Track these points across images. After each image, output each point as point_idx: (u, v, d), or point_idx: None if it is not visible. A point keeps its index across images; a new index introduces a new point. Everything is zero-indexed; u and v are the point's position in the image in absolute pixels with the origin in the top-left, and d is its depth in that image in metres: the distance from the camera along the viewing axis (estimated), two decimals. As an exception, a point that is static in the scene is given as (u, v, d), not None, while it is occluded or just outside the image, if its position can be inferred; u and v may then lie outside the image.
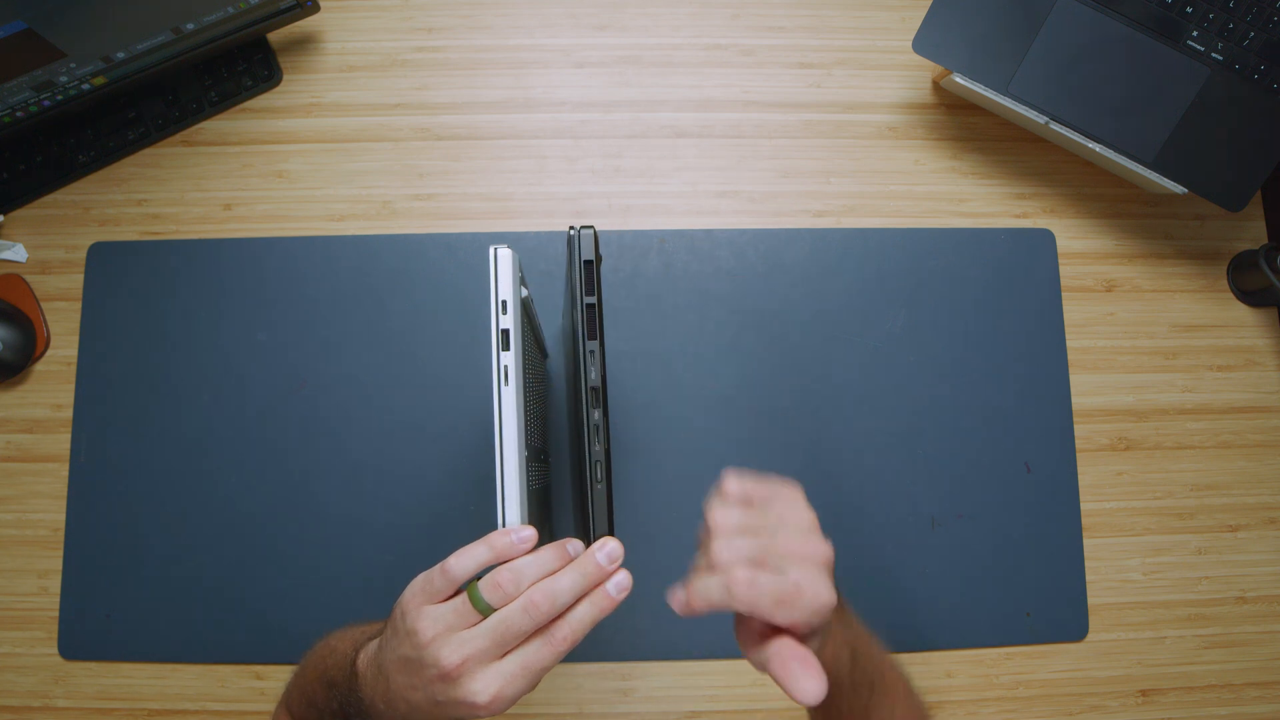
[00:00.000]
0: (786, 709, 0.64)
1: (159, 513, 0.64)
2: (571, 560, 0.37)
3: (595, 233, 0.40)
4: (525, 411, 0.40)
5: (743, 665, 0.64)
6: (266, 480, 0.65)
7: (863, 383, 0.68)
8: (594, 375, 0.39)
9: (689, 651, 0.64)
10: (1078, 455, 0.68)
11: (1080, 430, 0.69)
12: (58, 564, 0.64)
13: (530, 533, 0.37)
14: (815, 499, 0.67)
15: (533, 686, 0.36)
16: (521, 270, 0.42)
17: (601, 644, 0.64)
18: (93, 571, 0.64)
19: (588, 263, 0.40)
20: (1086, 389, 0.69)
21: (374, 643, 0.40)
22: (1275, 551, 0.68)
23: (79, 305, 0.67)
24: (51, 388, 0.67)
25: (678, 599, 0.39)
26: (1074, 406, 0.69)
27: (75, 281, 0.68)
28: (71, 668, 0.63)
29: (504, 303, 0.39)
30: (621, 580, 0.38)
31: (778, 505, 0.41)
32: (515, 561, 0.36)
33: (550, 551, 0.37)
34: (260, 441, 0.65)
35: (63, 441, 0.66)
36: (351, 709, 0.40)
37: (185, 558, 0.64)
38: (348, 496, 0.65)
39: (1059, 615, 0.66)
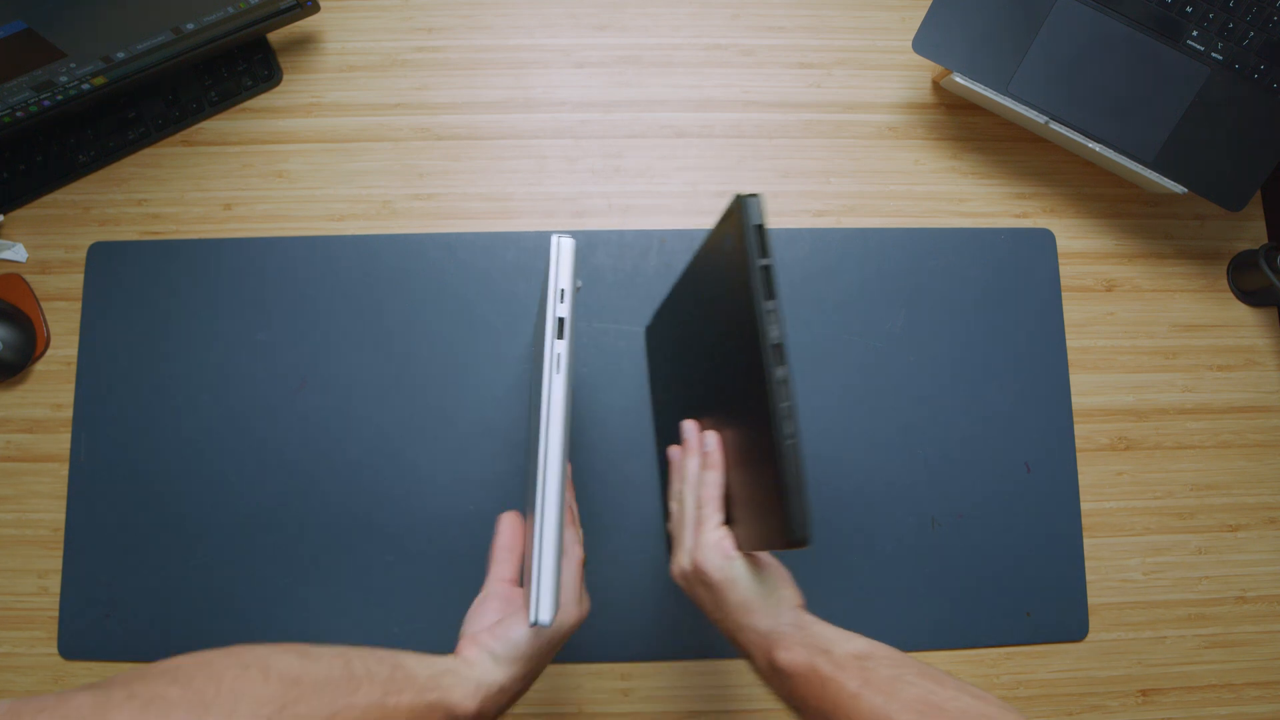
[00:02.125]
0: (784, 708, 0.64)
1: (159, 513, 0.64)
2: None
3: (760, 199, 0.42)
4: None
5: (742, 665, 0.64)
6: (266, 480, 0.65)
7: (863, 383, 0.68)
8: (775, 333, 0.40)
9: (689, 651, 0.64)
10: (1078, 455, 0.68)
11: (1080, 430, 0.69)
12: (58, 564, 0.64)
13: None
14: (815, 498, 0.67)
15: None
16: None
17: (601, 644, 0.64)
18: (93, 571, 0.64)
19: (757, 228, 0.41)
20: (1086, 389, 0.69)
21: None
22: (1275, 551, 0.68)
23: (79, 305, 0.67)
24: (51, 388, 0.67)
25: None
26: (1074, 406, 0.69)
27: (75, 281, 0.68)
28: (71, 668, 0.63)
29: (562, 291, 0.41)
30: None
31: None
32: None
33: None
34: (260, 441, 0.65)
35: (63, 441, 0.66)
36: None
37: (185, 558, 0.64)
38: (347, 496, 0.65)
39: (1059, 615, 0.66)
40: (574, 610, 0.47)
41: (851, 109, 0.72)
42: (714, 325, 0.50)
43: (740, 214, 0.42)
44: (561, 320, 0.41)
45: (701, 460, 0.50)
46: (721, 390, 0.49)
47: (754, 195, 0.42)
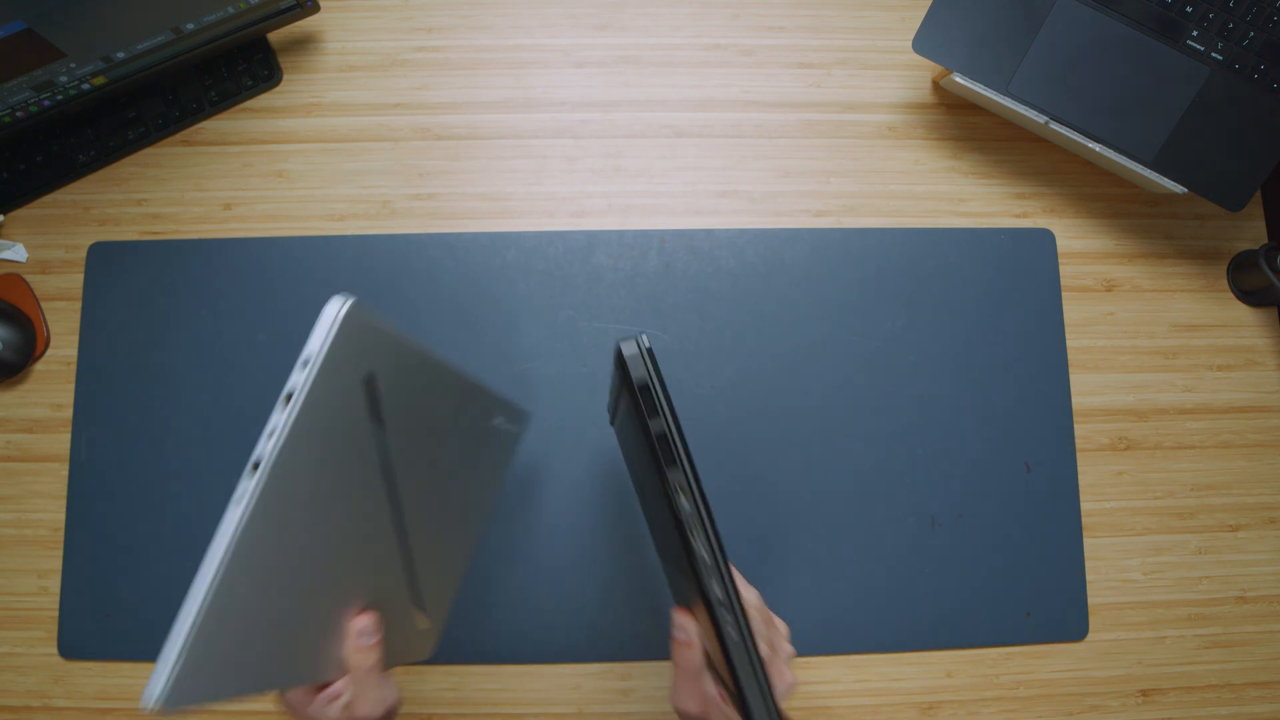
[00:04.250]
0: (785, 708, 0.64)
1: (159, 513, 0.64)
2: None
3: (645, 350, 0.36)
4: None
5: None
6: (266, 480, 0.65)
7: (863, 383, 0.68)
8: (685, 504, 0.35)
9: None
10: (1078, 455, 0.68)
11: (1080, 430, 0.69)
12: (58, 564, 0.64)
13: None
14: (816, 499, 0.68)
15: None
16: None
17: (601, 644, 0.64)
18: (93, 571, 0.64)
19: (643, 388, 0.35)
20: (1086, 389, 0.69)
21: None
22: (1275, 551, 0.68)
23: (79, 305, 0.67)
24: (51, 388, 0.67)
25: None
26: (1074, 406, 0.69)
27: (75, 281, 0.68)
28: (71, 667, 0.63)
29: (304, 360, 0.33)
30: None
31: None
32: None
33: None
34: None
35: (63, 441, 0.66)
36: None
37: (185, 558, 0.64)
38: (348, 496, 0.65)
39: (1059, 615, 0.66)
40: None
41: (851, 109, 0.72)
42: (646, 475, 0.42)
43: (623, 370, 0.36)
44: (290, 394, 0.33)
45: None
46: (669, 551, 0.43)
47: (634, 340, 0.36)
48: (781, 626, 0.45)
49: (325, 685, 0.41)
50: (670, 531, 0.37)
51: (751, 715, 0.35)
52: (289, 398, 0.33)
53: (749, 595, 0.44)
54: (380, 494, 0.40)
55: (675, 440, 0.35)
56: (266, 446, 0.32)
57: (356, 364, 0.34)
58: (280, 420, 0.33)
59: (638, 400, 0.36)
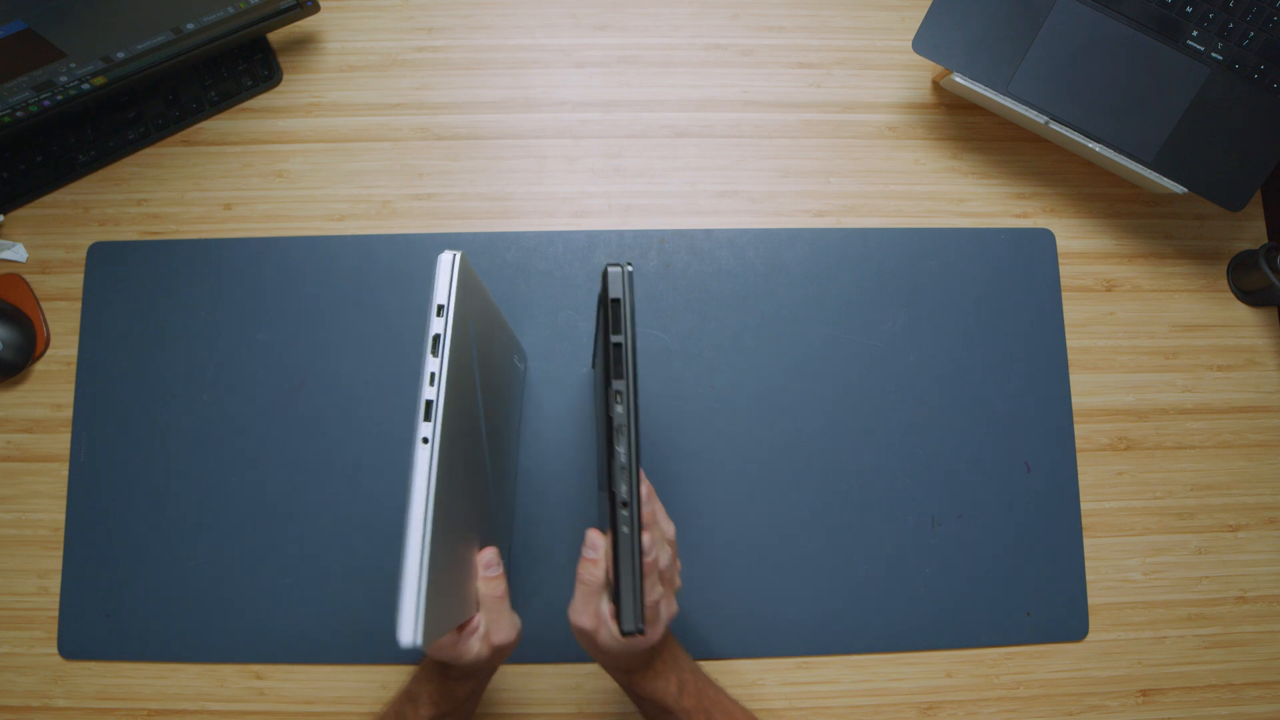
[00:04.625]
0: (784, 709, 0.64)
1: (159, 513, 0.64)
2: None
3: (626, 273, 0.40)
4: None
5: (741, 665, 0.64)
6: (266, 480, 0.65)
7: (863, 383, 0.68)
8: (619, 413, 0.39)
9: (688, 651, 0.64)
10: (1078, 455, 0.68)
11: (1080, 430, 0.69)
12: (58, 564, 0.64)
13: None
14: (816, 499, 0.68)
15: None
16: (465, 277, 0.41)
17: (601, 644, 0.64)
18: (93, 571, 0.64)
19: (614, 301, 0.39)
20: (1086, 389, 0.69)
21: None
22: (1275, 551, 0.68)
23: (79, 305, 0.67)
24: (51, 388, 0.67)
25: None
26: (1074, 406, 0.69)
27: (75, 281, 0.68)
28: (71, 667, 0.63)
29: (439, 306, 0.38)
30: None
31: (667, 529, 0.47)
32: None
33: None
34: (260, 441, 0.65)
35: (63, 441, 0.66)
36: (419, 705, 0.48)
37: (185, 558, 0.64)
38: (347, 496, 0.65)
39: (1059, 615, 0.66)
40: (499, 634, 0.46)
41: (851, 109, 0.72)
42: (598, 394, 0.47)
43: (603, 286, 0.40)
44: (437, 337, 0.38)
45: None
46: (600, 467, 0.47)
47: (619, 265, 0.40)
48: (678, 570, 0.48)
49: (463, 625, 0.44)
50: (602, 442, 0.41)
51: (620, 603, 0.39)
52: (436, 341, 0.37)
53: (667, 527, 0.46)
54: (479, 432, 0.44)
55: (628, 355, 0.39)
56: (435, 391, 0.37)
57: (465, 309, 0.39)
58: (439, 363, 0.37)
59: (607, 314, 0.39)
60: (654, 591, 0.43)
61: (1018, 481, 0.67)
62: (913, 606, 0.65)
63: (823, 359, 0.68)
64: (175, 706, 0.63)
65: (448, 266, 0.38)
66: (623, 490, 0.39)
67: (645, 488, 0.43)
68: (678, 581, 0.47)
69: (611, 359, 0.39)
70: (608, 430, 0.39)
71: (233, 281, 0.68)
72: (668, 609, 0.46)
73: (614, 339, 0.39)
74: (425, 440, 0.36)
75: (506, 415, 0.56)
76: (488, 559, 0.46)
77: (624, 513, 0.39)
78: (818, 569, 0.65)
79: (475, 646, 0.44)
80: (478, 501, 0.46)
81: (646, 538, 0.41)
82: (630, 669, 0.49)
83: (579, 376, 0.67)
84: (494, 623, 0.45)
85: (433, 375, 0.37)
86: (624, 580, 0.39)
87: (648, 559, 0.41)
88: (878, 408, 0.68)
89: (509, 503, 0.59)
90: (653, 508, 0.44)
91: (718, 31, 0.73)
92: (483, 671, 0.49)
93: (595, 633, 0.45)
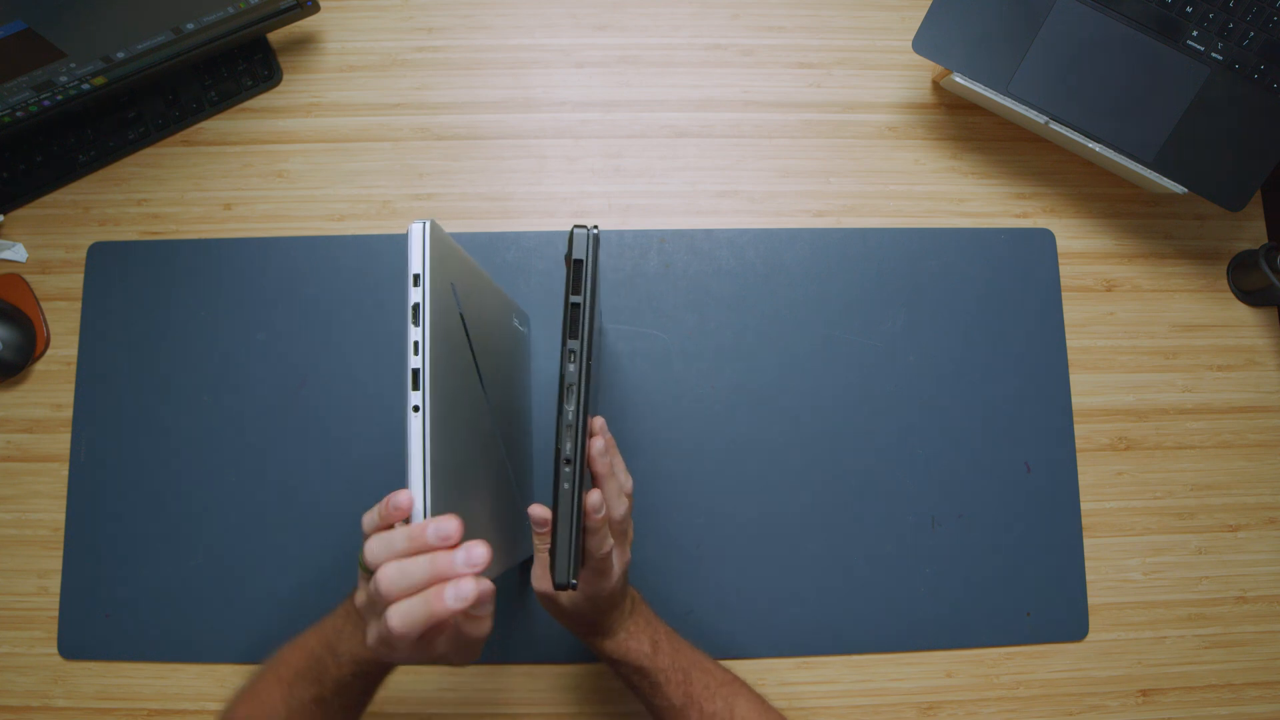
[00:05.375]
0: (784, 709, 0.64)
1: (159, 513, 0.64)
2: (425, 547, 0.36)
3: (590, 235, 0.41)
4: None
5: (742, 665, 0.64)
6: (266, 480, 0.65)
7: (863, 383, 0.68)
8: (571, 371, 0.40)
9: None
10: (1078, 455, 0.68)
11: (1080, 430, 0.69)
12: (58, 564, 0.64)
13: (404, 501, 0.37)
14: (816, 499, 0.68)
15: (391, 654, 0.38)
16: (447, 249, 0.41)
17: (601, 644, 0.64)
18: (93, 571, 0.64)
19: (577, 262, 0.40)
20: (1086, 389, 0.69)
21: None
22: (1275, 551, 0.68)
23: (79, 305, 0.67)
24: (51, 388, 0.67)
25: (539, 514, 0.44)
26: (1074, 406, 0.69)
27: (75, 281, 0.68)
28: (71, 667, 0.63)
29: (415, 276, 0.38)
30: (463, 591, 0.35)
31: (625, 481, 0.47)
32: (386, 532, 0.37)
33: (405, 530, 0.36)
34: (260, 441, 0.65)
35: (63, 441, 0.66)
36: (330, 664, 0.45)
37: (185, 558, 0.64)
38: (348, 496, 0.65)
39: (1059, 615, 0.66)
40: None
41: (851, 109, 0.72)
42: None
43: (569, 246, 0.41)
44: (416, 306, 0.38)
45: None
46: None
47: (584, 227, 0.41)
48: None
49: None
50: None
51: (554, 556, 0.40)
52: (416, 310, 0.37)
53: (625, 481, 0.46)
54: (480, 392, 0.45)
55: (585, 316, 0.40)
56: (420, 360, 0.37)
57: (444, 273, 0.39)
58: (421, 331, 0.37)
59: (568, 273, 0.40)
60: (605, 544, 0.43)
61: (1018, 481, 0.67)
62: (913, 606, 0.65)
63: (823, 359, 0.68)
64: (175, 706, 0.63)
65: (419, 235, 0.38)
66: (567, 447, 0.40)
67: (604, 440, 0.43)
68: (630, 534, 0.48)
69: (569, 318, 0.40)
70: (559, 393, 0.40)
71: (233, 281, 0.68)
72: (620, 559, 0.46)
73: (573, 299, 0.40)
74: (416, 409, 0.37)
75: (511, 376, 0.57)
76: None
77: (566, 469, 0.40)
78: (817, 569, 0.65)
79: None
80: (490, 460, 0.47)
81: (596, 494, 0.41)
82: (601, 632, 0.49)
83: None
84: (460, 651, 0.41)
85: (416, 344, 0.37)
86: (560, 535, 0.40)
87: (598, 515, 0.42)
88: (878, 408, 0.68)
89: (526, 466, 0.60)
90: (610, 459, 0.44)
91: (718, 31, 0.73)
92: (406, 662, 0.44)
93: (556, 596, 0.46)
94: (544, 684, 0.64)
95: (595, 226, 0.41)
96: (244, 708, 0.47)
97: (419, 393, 0.37)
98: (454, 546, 0.36)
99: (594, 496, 0.42)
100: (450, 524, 0.36)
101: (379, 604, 0.36)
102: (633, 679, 0.51)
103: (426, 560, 0.35)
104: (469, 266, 0.45)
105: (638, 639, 0.50)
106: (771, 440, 0.67)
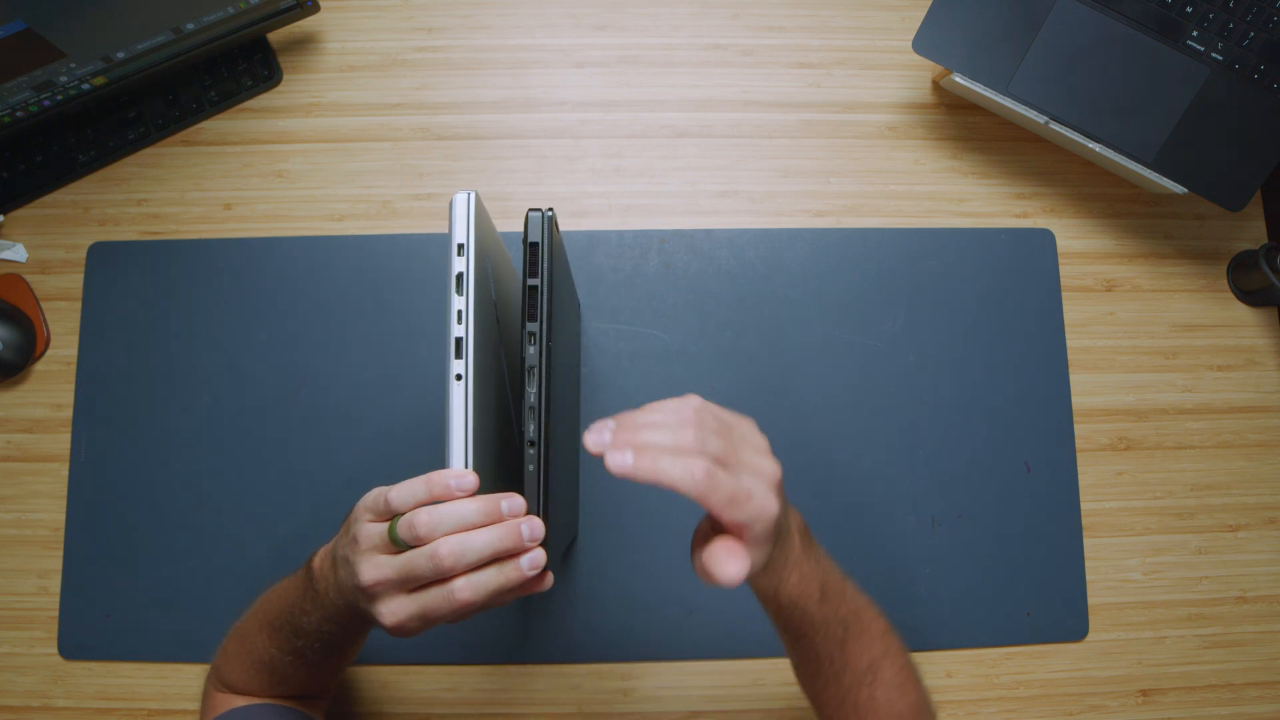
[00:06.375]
0: (786, 709, 0.64)
1: (159, 512, 0.64)
2: (499, 520, 0.37)
3: (545, 217, 0.41)
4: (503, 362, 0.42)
5: (743, 665, 0.64)
6: (266, 480, 0.65)
7: (863, 383, 0.68)
8: (531, 354, 0.40)
9: (689, 651, 0.64)
10: (1078, 455, 0.68)
11: (1080, 430, 0.69)
12: (58, 564, 0.64)
13: (471, 480, 0.37)
14: (816, 497, 0.68)
15: (427, 626, 0.37)
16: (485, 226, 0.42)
17: (601, 644, 0.64)
18: (93, 571, 0.64)
19: (533, 245, 0.41)
20: (1086, 389, 0.69)
21: (330, 543, 0.43)
22: (1275, 551, 0.68)
23: (79, 305, 0.67)
24: (51, 388, 0.67)
25: (616, 460, 0.35)
26: (1074, 406, 0.69)
27: (75, 281, 0.68)
28: (71, 667, 0.63)
29: (459, 245, 0.39)
30: (536, 558, 0.37)
31: (740, 427, 0.42)
32: (439, 506, 0.37)
33: (478, 504, 0.37)
34: (260, 441, 0.65)
35: (63, 441, 0.66)
36: (303, 619, 0.44)
37: (185, 558, 0.64)
38: (348, 496, 0.64)
39: (1059, 615, 0.66)
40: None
41: (851, 109, 0.72)
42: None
43: (525, 230, 0.42)
44: (460, 275, 0.39)
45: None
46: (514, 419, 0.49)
47: (540, 210, 0.41)
48: (753, 436, 0.41)
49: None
50: (517, 387, 0.42)
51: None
52: (460, 279, 0.38)
53: (692, 398, 0.40)
54: (503, 368, 0.46)
55: (542, 298, 0.40)
56: (464, 328, 0.38)
57: (482, 246, 0.40)
58: (465, 300, 0.38)
59: (525, 258, 0.41)
60: (727, 481, 0.37)
61: (1018, 481, 0.67)
62: (912, 606, 0.65)
63: (823, 359, 0.68)
64: (175, 706, 0.63)
65: (464, 206, 0.39)
66: (530, 430, 0.40)
67: (609, 433, 0.37)
68: (739, 459, 0.39)
69: (526, 300, 0.41)
70: (522, 377, 0.41)
71: (233, 281, 0.68)
72: (758, 479, 0.39)
73: (530, 282, 0.41)
74: (459, 377, 0.38)
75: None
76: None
77: (530, 451, 0.40)
78: (818, 569, 0.65)
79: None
80: (506, 438, 0.47)
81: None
82: (778, 568, 0.42)
83: (578, 374, 0.67)
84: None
85: (460, 313, 0.38)
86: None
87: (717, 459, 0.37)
88: (878, 408, 0.68)
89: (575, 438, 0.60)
90: (704, 406, 0.39)
91: (718, 31, 0.73)
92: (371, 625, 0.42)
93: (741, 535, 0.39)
94: (544, 684, 0.64)
95: (550, 209, 0.41)
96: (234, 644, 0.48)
97: (461, 361, 0.38)
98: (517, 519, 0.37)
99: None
100: (519, 500, 0.38)
101: (423, 576, 0.36)
102: (793, 630, 0.44)
103: (492, 534, 0.36)
104: (499, 245, 0.47)
105: (809, 581, 0.43)
106: (771, 440, 0.66)
